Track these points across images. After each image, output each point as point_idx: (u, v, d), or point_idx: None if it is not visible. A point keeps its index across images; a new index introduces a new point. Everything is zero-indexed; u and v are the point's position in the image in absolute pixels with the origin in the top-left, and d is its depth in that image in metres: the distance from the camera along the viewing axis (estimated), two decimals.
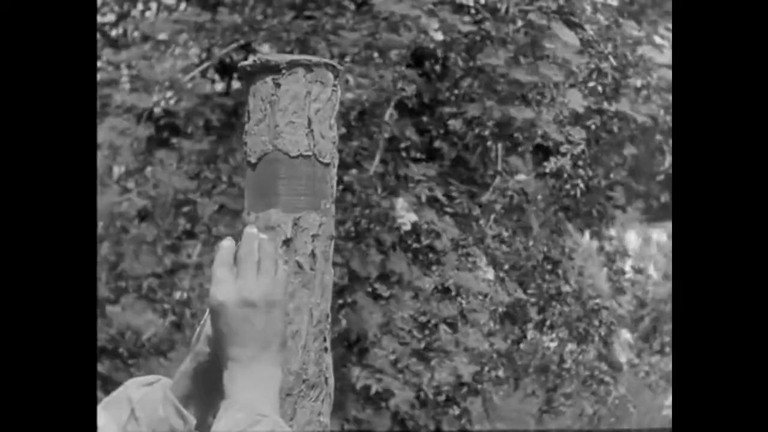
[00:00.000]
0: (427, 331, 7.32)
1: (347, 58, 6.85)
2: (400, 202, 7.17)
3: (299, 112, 1.77)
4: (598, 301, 7.46)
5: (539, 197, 6.96)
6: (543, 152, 6.94)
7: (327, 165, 1.79)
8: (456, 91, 6.87)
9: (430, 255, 7.23)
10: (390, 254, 7.27)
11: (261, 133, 1.77)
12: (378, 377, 7.19)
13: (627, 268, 9.16)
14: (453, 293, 7.33)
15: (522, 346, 7.70)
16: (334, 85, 1.81)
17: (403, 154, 7.08)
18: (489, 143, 6.78)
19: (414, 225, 7.19)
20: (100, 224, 6.39)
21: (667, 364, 16.75)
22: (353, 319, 7.14)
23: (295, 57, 1.78)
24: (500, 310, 7.49)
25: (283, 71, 1.76)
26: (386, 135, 6.95)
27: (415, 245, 7.16)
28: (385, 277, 7.33)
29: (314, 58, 1.80)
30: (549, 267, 7.36)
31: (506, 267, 7.15)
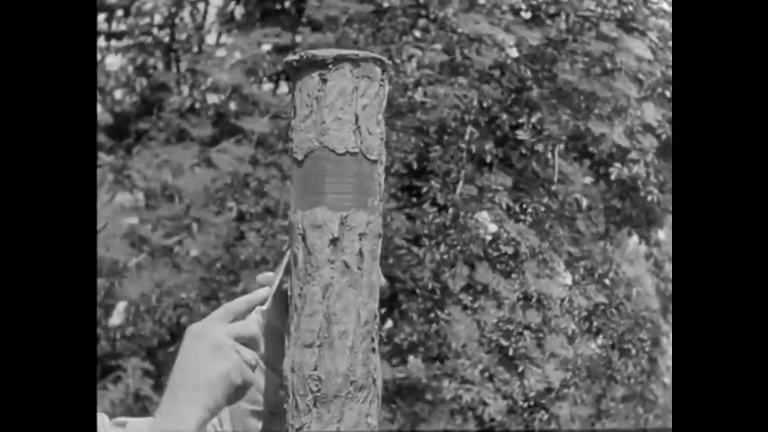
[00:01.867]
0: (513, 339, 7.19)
1: (430, 79, 6.76)
2: (484, 214, 7.04)
3: (346, 108, 1.64)
4: (644, 314, 7.26)
5: (594, 205, 6.79)
6: (607, 160, 6.78)
7: (374, 162, 1.66)
8: (529, 104, 6.74)
9: (511, 263, 7.07)
10: (476, 265, 7.14)
11: (307, 129, 1.65)
12: (467, 387, 7.08)
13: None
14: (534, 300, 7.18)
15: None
16: (382, 80, 1.68)
17: (480, 165, 6.96)
18: (554, 152, 6.63)
19: (495, 235, 7.06)
20: None
21: None
22: (446, 331, 7.03)
23: (342, 52, 1.66)
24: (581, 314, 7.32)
25: (330, 66, 1.64)
26: (465, 152, 6.84)
27: (495, 254, 7.02)
28: (470, 288, 7.21)
29: (361, 53, 1.67)
30: (600, 272, 7.19)
31: (582, 272, 6.97)
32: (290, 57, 1.67)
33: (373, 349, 1.64)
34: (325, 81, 1.64)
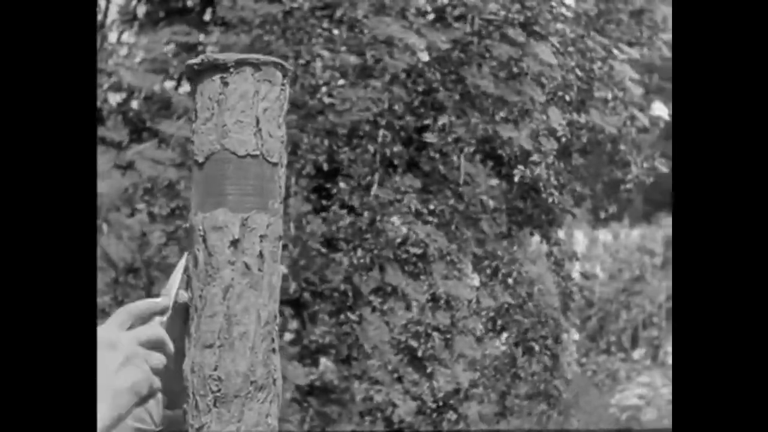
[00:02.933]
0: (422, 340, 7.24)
1: (341, 82, 6.79)
2: (394, 217, 7.09)
3: (247, 111, 1.65)
4: (546, 311, 7.42)
5: (493, 205, 6.91)
6: (510, 162, 6.90)
7: (275, 165, 1.68)
8: (436, 107, 6.82)
9: (420, 264, 7.14)
10: (386, 267, 7.19)
11: (208, 132, 1.66)
12: (378, 389, 7.11)
13: (575, 273, 9.13)
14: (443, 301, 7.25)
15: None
16: (283, 84, 1.69)
17: (390, 168, 7.00)
18: (460, 155, 6.73)
19: (404, 237, 7.11)
20: None
21: (613, 363, 16.76)
22: (359, 333, 7.06)
23: (243, 55, 1.67)
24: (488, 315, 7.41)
25: (231, 70, 1.65)
26: (377, 153, 6.88)
27: (404, 256, 7.08)
28: (380, 290, 7.26)
29: (263, 57, 1.68)
30: (504, 272, 7.33)
31: (488, 272, 7.08)
32: (191, 60, 1.68)
33: (274, 350, 1.66)
34: (226, 84, 1.65)
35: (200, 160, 1.65)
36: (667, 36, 7.94)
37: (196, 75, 1.68)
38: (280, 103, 1.69)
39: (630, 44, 7.64)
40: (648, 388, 15.81)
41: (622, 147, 7.37)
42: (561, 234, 8.24)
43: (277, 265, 1.68)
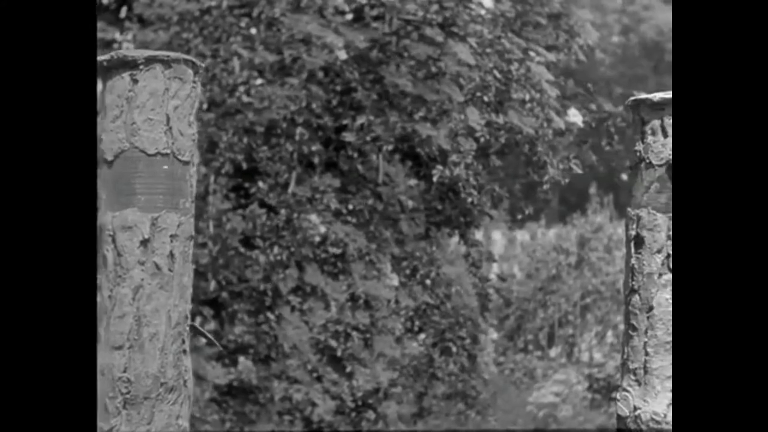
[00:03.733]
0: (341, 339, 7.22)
1: (259, 80, 6.73)
2: (313, 216, 7.07)
3: (157, 109, 1.63)
4: (464, 312, 7.49)
5: (412, 205, 6.94)
6: (428, 162, 6.92)
7: (186, 163, 1.66)
8: (354, 107, 6.81)
9: (339, 264, 7.13)
10: (306, 267, 7.16)
11: (117, 130, 1.63)
12: (297, 388, 7.08)
13: (492, 274, 9.23)
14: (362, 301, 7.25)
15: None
16: (194, 82, 1.68)
17: (309, 167, 6.98)
18: (379, 155, 6.74)
19: (323, 236, 7.09)
20: None
21: (530, 361, 16.98)
22: (277, 333, 7.01)
23: (153, 53, 1.64)
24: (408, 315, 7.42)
25: (141, 67, 1.62)
26: (295, 152, 6.85)
27: (324, 255, 7.06)
28: (300, 289, 7.22)
29: (173, 54, 1.66)
30: (422, 273, 7.36)
31: (407, 272, 7.09)
32: (101, 57, 1.65)
33: (185, 351, 1.64)
34: (136, 81, 1.63)
35: (109, 158, 1.63)
36: (582, 41, 8.05)
37: (105, 72, 1.66)
38: (192, 101, 1.67)
39: (547, 48, 7.73)
40: (563, 385, 15.99)
41: (539, 148, 7.46)
42: (479, 235, 8.30)
43: (189, 265, 1.66)
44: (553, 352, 19.01)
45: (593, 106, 8.11)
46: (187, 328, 1.66)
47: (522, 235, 20.49)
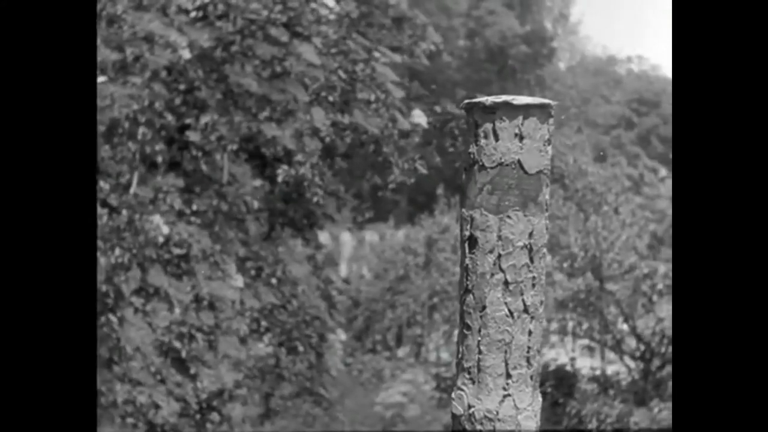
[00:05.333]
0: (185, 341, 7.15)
1: (101, 78, 6.61)
2: (157, 217, 6.98)
3: None
4: (311, 311, 7.54)
5: (257, 205, 6.95)
6: (273, 162, 6.94)
7: None
8: (198, 106, 6.76)
9: (183, 265, 7.06)
10: (148, 268, 7.06)
11: None
12: (140, 390, 6.96)
13: (335, 276, 9.29)
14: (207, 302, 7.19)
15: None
16: None
17: (152, 166, 6.89)
18: (224, 154, 6.72)
19: (167, 237, 7.00)
20: None
21: (378, 361, 17.20)
22: (120, 335, 6.89)
23: None
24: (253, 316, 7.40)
25: None
26: (137, 151, 6.75)
27: (167, 256, 6.98)
28: (143, 290, 7.12)
29: None
30: (268, 272, 7.37)
31: (253, 273, 7.08)
32: None
33: None
34: None
35: None
36: (426, 45, 8.18)
37: None
38: None
39: (392, 49, 7.83)
40: (411, 385, 16.19)
41: (385, 149, 7.55)
42: (323, 237, 8.33)
43: None
44: (401, 352, 19.24)
45: (438, 108, 8.24)
46: None
47: (371, 236, 20.67)
